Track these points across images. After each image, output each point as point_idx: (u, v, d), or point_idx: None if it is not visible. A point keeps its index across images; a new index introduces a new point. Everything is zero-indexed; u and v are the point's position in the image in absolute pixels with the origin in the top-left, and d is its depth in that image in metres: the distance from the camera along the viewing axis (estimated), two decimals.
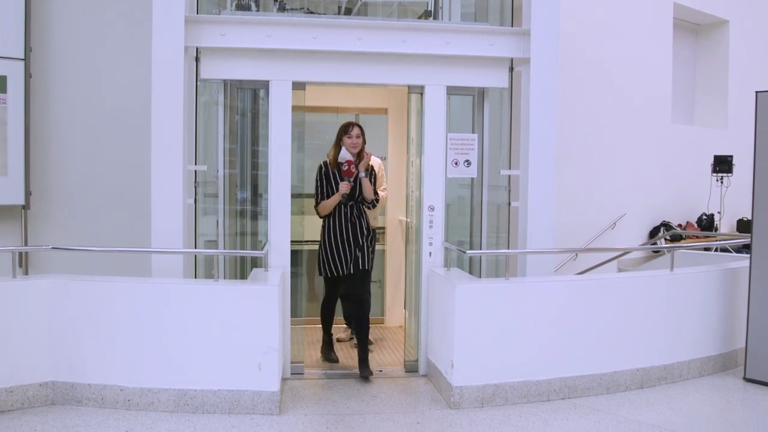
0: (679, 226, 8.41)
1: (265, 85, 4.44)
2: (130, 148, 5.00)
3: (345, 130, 4.51)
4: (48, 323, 3.74)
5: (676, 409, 3.95)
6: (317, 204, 4.57)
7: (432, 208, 4.57)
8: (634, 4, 7.96)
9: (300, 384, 4.33)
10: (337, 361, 4.85)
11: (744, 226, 8.60)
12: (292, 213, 4.48)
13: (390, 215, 5.97)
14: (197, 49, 4.33)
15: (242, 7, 4.80)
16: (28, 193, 4.75)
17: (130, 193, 4.97)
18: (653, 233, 8.22)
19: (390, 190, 5.57)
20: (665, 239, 7.79)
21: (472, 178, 4.80)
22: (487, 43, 4.53)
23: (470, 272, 4.70)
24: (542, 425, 3.65)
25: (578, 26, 7.02)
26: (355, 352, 5.02)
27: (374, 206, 4.65)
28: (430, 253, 4.56)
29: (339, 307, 5.16)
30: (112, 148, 5.08)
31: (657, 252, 7.53)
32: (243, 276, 4.69)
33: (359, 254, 4.53)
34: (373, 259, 4.71)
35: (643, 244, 8.00)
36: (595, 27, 7.44)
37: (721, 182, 7.96)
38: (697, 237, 8.03)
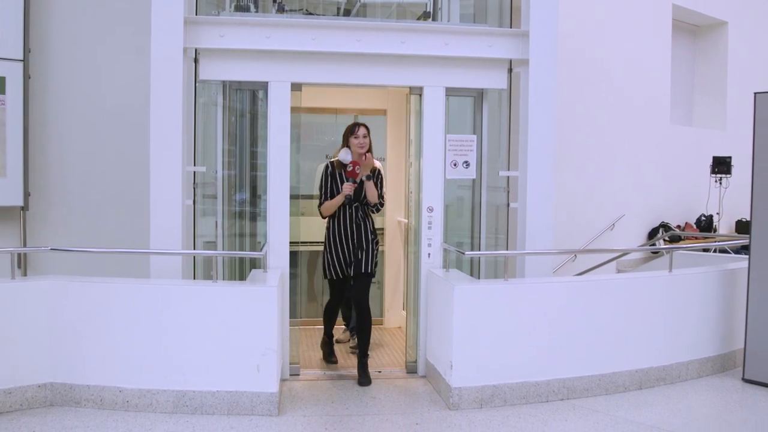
0: (678, 227, 8.42)
1: (264, 86, 4.44)
2: (128, 150, 5.00)
3: (351, 130, 4.47)
4: (47, 324, 3.74)
5: (675, 409, 3.95)
6: (320, 204, 4.55)
7: (431, 210, 4.57)
8: (633, 5, 7.98)
9: (299, 385, 4.33)
10: (336, 362, 4.85)
11: (743, 227, 8.61)
12: (289, 214, 4.48)
13: (389, 216, 5.97)
14: (196, 50, 4.33)
15: (241, 9, 4.80)
16: (26, 194, 4.75)
17: (128, 194, 4.96)
18: (652, 234, 8.23)
19: (389, 191, 5.57)
20: (664, 240, 7.80)
21: (471, 180, 4.81)
22: (485, 45, 4.54)
23: (469, 273, 4.71)
24: (541, 426, 3.65)
25: (577, 27, 7.03)
26: (352, 352, 5.03)
27: (378, 210, 4.60)
28: (429, 254, 4.56)
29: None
30: (110, 149, 5.08)
31: (656, 253, 7.54)
32: (242, 277, 4.69)
33: (363, 257, 4.48)
34: (377, 264, 4.62)
35: (642, 245, 8.01)
36: (595, 28, 7.46)
37: (720, 183, 7.96)
38: (696, 238, 8.03)
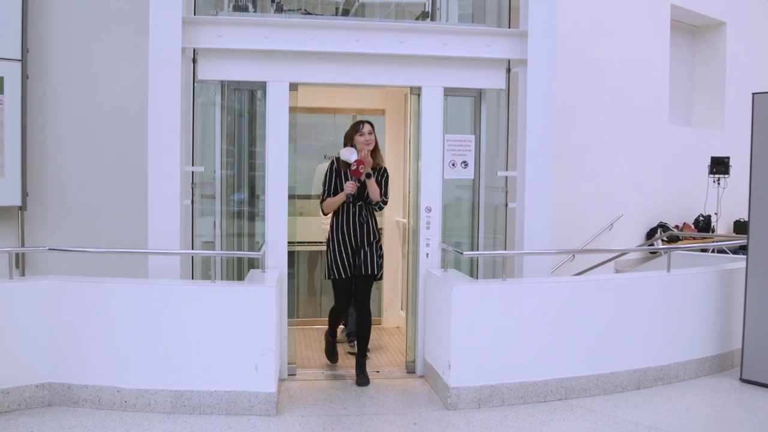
0: (676, 227, 8.43)
1: (263, 86, 4.44)
2: (126, 149, 5.00)
3: (356, 128, 4.38)
4: (45, 324, 3.74)
5: (673, 409, 3.95)
6: (323, 200, 4.48)
7: (429, 210, 4.57)
8: (631, 5, 7.99)
9: (297, 385, 4.33)
10: (337, 361, 4.84)
11: (741, 227, 8.63)
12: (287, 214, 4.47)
13: (387, 216, 5.97)
14: (194, 50, 4.33)
15: (239, 9, 4.80)
16: (24, 194, 4.75)
17: (127, 194, 4.97)
18: (650, 234, 8.24)
19: None
20: (662, 240, 7.81)
21: (470, 180, 4.81)
22: (484, 45, 4.54)
23: (468, 273, 4.71)
24: (539, 426, 3.65)
25: (576, 27, 7.04)
26: (351, 354, 5.03)
27: (381, 208, 4.53)
28: (428, 254, 4.56)
29: None
30: (108, 149, 5.08)
31: (654, 253, 7.55)
32: (240, 277, 4.69)
33: (366, 257, 4.42)
34: (381, 265, 4.54)
35: (640, 245, 8.02)
36: (593, 28, 7.46)
37: (718, 183, 7.97)
38: (694, 238, 8.04)
